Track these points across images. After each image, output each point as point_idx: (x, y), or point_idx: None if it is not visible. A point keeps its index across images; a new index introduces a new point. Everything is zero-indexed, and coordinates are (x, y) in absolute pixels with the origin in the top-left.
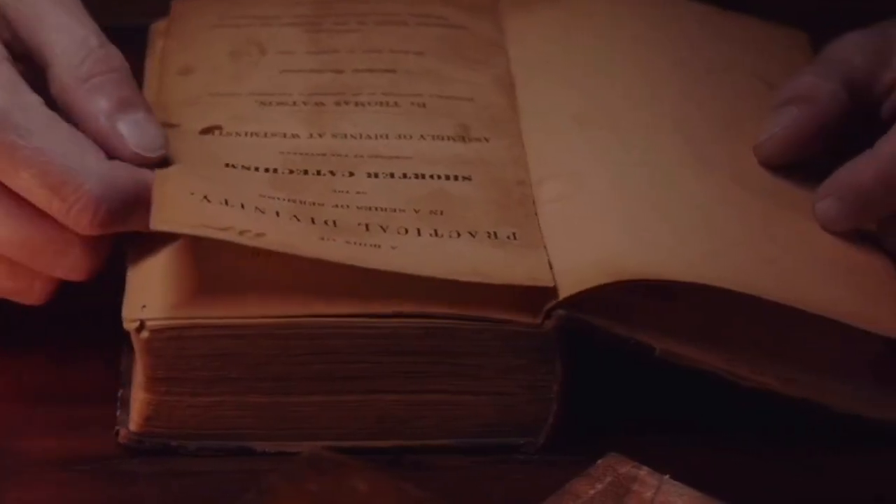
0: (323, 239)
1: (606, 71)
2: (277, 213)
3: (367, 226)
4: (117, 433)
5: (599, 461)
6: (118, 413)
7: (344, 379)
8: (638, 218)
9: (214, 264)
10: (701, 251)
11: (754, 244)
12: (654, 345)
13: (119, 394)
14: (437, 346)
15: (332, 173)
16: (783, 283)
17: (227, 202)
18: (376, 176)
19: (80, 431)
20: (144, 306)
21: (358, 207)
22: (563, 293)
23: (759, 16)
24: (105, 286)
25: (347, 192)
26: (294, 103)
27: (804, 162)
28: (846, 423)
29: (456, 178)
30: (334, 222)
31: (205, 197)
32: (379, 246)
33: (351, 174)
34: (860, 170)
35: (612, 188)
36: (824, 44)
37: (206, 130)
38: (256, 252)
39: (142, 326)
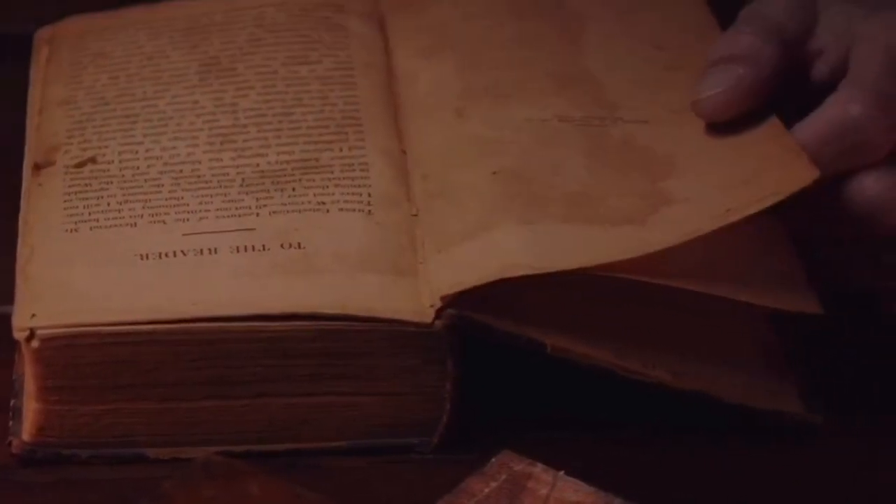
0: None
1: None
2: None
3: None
4: (10, 443)
5: (494, 459)
6: (10, 423)
7: (236, 383)
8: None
9: (104, 272)
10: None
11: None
12: (545, 341)
13: (11, 403)
14: (328, 348)
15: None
16: (667, 264)
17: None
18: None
19: None
20: (34, 315)
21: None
22: (449, 292)
23: None
24: None
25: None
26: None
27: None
28: (738, 415)
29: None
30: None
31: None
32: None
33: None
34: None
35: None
36: None
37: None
38: (143, 256)
39: (32, 335)
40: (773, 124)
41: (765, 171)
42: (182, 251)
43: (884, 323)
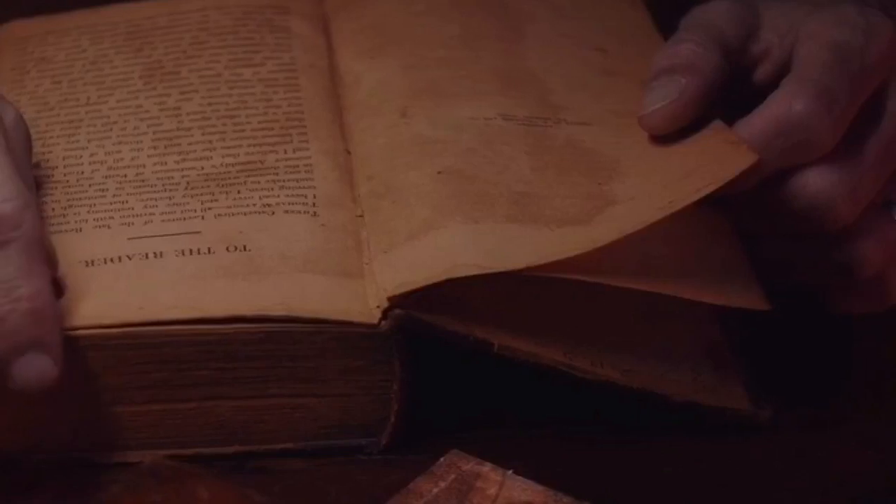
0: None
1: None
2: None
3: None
4: None
5: (442, 459)
6: None
7: (182, 386)
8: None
9: None
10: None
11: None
12: (493, 340)
13: None
14: (275, 350)
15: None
16: (614, 263)
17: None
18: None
19: None
20: None
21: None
22: (395, 292)
23: None
24: None
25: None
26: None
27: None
28: (686, 412)
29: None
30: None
31: None
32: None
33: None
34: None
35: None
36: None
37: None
38: (88, 262)
39: None
40: (715, 124)
41: (706, 163)
42: (128, 256)
43: (829, 318)
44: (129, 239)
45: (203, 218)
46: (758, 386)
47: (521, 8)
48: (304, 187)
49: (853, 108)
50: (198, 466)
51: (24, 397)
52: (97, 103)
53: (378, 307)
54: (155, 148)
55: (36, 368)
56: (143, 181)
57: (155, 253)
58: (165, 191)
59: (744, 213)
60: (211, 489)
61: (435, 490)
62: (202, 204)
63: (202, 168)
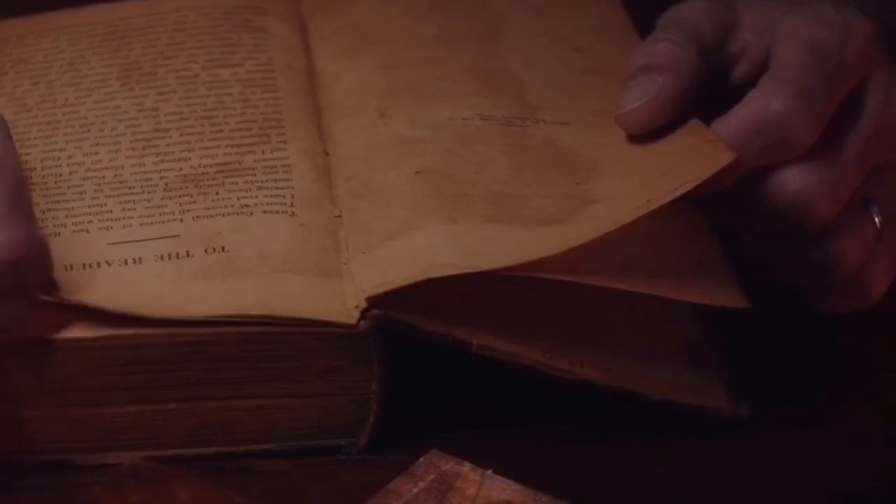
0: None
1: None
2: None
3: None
4: None
5: (421, 459)
6: None
7: (163, 388)
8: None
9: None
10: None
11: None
12: (471, 340)
13: None
14: (254, 351)
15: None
16: (591, 262)
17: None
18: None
19: None
20: None
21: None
22: (374, 293)
23: None
24: None
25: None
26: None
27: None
28: (665, 411)
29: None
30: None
31: None
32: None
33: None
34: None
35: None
36: None
37: None
38: (67, 266)
39: None
40: (693, 123)
41: (684, 162)
42: (107, 261)
43: (812, 317)
44: (108, 244)
45: (181, 221)
46: (736, 384)
47: (499, 8)
48: (282, 188)
49: (831, 106)
50: (178, 467)
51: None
52: (75, 104)
53: (357, 307)
54: (133, 149)
55: (10, 315)
56: (121, 183)
57: (134, 258)
58: (144, 192)
59: (722, 213)
60: (191, 490)
61: (414, 490)
62: (180, 206)
63: (180, 169)
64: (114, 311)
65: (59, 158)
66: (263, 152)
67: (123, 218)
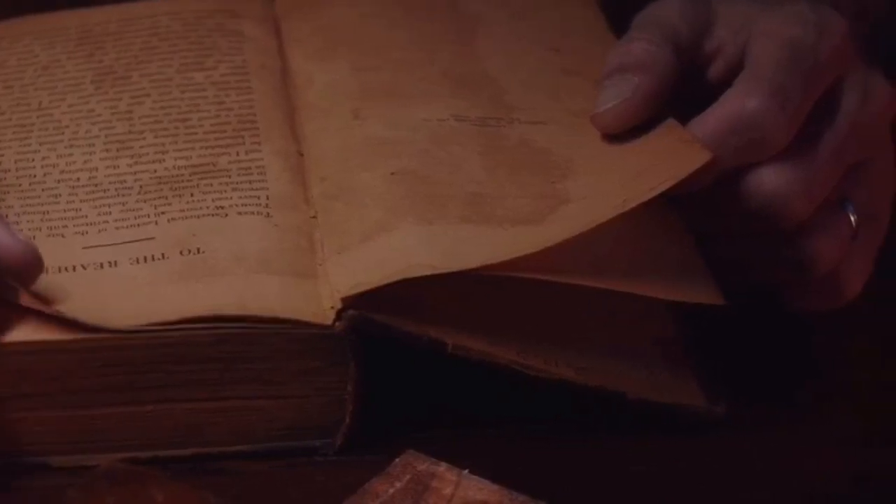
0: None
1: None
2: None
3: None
4: None
5: (397, 459)
6: None
7: (139, 389)
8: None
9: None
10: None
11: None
12: (447, 341)
13: None
14: (230, 352)
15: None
16: (566, 262)
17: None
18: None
19: None
20: None
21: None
22: (349, 293)
23: None
24: None
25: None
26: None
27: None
28: (641, 410)
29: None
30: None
31: None
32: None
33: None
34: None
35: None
36: None
37: None
38: (48, 270)
39: None
40: (669, 123)
41: (660, 161)
42: (82, 265)
43: (789, 316)
44: (83, 248)
45: (157, 223)
46: (713, 383)
47: (475, 9)
48: (256, 189)
49: (807, 105)
50: (154, 469)
51: None
52: (49, 108)
53: (332, 308)
54: (107, 151)
55: None
56: (95, 185)
57: (109, 262)
58: (118, 195)
59: (698, 212)
60: (167, 491)
61: (391, 490)
62: (155, 208)
63: (155, 171)
64: (91, 324)
65: (33, 160)
66: (238, 154)
67: (99, 222)
